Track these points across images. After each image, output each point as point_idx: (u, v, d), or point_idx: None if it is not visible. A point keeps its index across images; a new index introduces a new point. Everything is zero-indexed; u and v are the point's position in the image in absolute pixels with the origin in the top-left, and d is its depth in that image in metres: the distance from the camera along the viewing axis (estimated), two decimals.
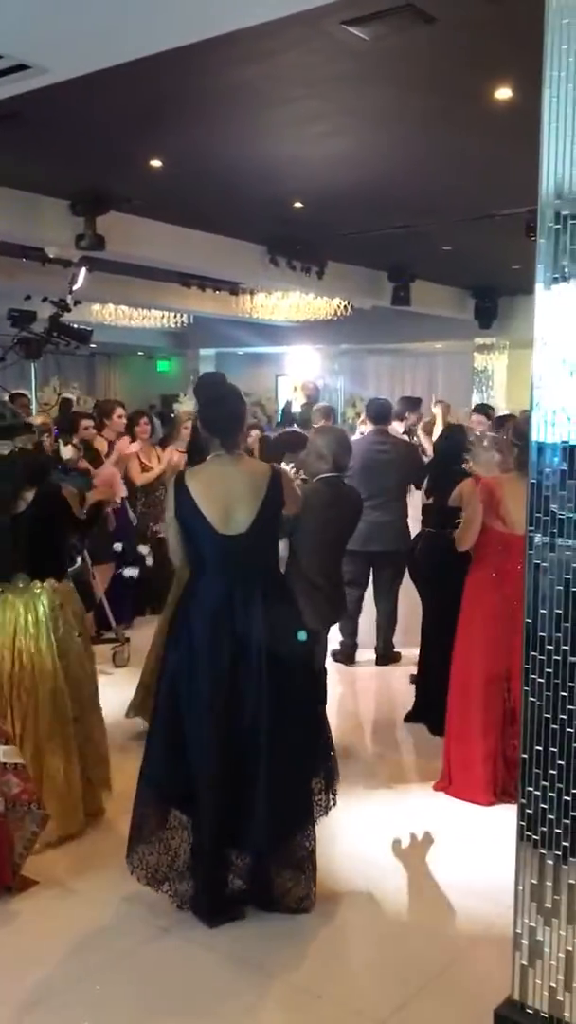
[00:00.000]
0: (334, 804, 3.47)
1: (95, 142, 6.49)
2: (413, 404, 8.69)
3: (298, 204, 8.29)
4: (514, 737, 4.29)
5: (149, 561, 7.01)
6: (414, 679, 5.62)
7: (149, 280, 11.64)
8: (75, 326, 6.03)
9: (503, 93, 5.47)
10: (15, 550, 3.82)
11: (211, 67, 5.01)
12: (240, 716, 3.15)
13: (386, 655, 6.42)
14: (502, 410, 11.04)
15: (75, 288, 6.13)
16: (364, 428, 6.76)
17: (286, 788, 3.19)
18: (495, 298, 12.66)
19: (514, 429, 4.22)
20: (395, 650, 6.47)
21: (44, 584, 3.86)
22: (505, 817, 4.15)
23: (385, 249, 10.11)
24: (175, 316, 13.67)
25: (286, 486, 3.33)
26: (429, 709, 5.11)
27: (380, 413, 6.53)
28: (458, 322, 13.04)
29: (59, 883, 3.55)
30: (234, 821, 3.17)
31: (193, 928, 3.24)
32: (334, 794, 3.46)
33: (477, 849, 3.91)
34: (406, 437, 7.46)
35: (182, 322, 13.97)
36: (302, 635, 3.27)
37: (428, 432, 8.07)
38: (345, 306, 11.93)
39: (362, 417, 7.02)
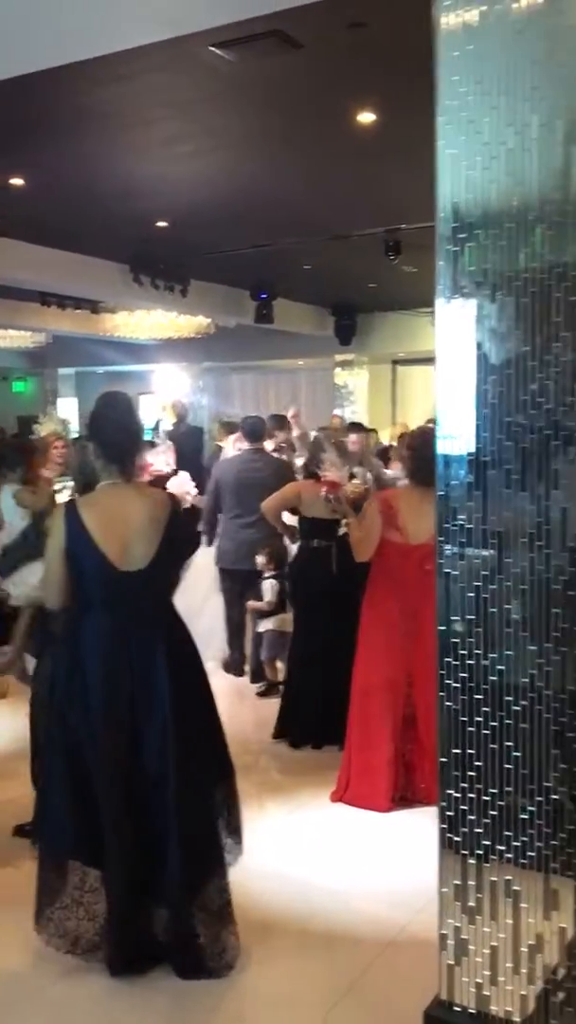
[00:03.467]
0: (241, 852, 3.30)
1: None
2: (282, 421, 8.86)
3: (162, 223, 8.30)
4: (412, 742, 4.41)
5: None
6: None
7: (5, 299, 11.36)
8: None
9: (365, 117, 5.65)
10: None
11: (76, 86, 4.96)
12: (143, 760, 2.97)
13: (260, 673, 6.44)
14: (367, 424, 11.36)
15: None
16: (240, 445, 6.81)
17: (197, 833, 3.02)
18: (354, 316, 13.02)
19: (408, 441, 4.35)
20: None
21: None
22: (404, 822, 4.25)
23: (248, 268, 10.24)
24: (33, 335, 13.37)
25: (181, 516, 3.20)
26: (295, 724, 5.18)
27: (255, 431, 6.60)
28: (319, 339, 13.31)
29: None
30: (147, 871, 2.99)
31: (102, 962, 3.15)
32: (239, 840, 3.29)
33: (380, 855, 3.97)
34: (276, 454, 7.55)
35: (40, 341, 13.67)
36: None
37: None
38: (208, 324, 11.98)
39: (236, 435, 7.07)
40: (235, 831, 3.25)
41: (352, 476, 5.37)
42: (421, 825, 4.15)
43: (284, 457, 7.15)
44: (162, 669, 2.97)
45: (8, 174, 6.71)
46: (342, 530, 4.76)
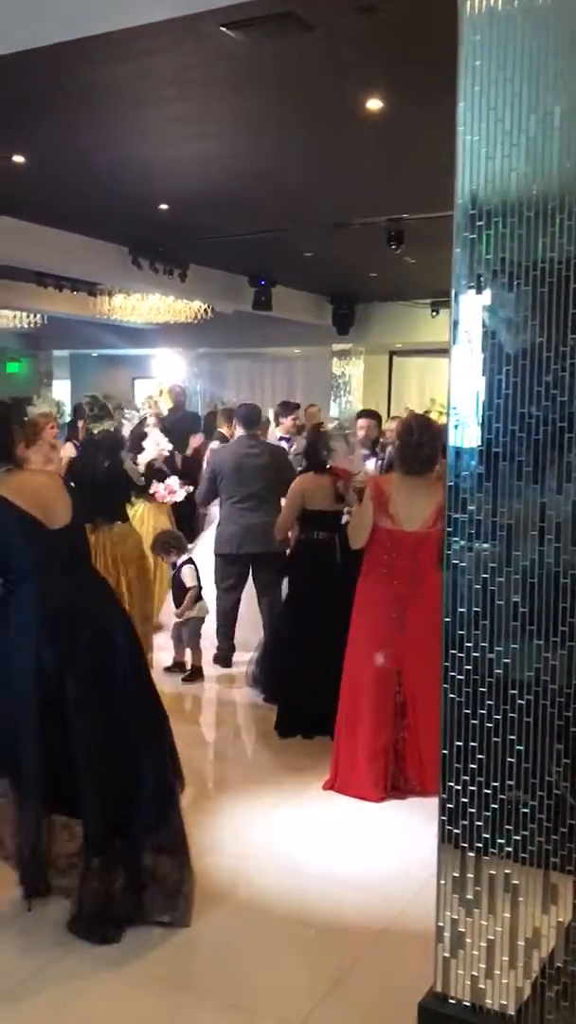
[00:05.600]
0: (182, 788, 3.52)
1: None
2: (291, 408, 8.92)
3: (163, 206, 8.22)
4: (404, 731, 4.39)
5: None
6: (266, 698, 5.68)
7: (1, 279, 11.27)
8: None
9: (373, 104, 5.59)
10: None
11: (82, 64, 4.88)
12: (113, 705, 3.20)
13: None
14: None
15: None
16: (235, 431, 6.87)
17: (163, 763, 3.30)
18: (352, 305, 12.95)
19: (397, 430, 4.37)
20: None
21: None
22: (396, 812, 4.24)
23: (247, 254, 10.17)
24: (28, 316, 13.26)
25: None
26: (288, 714, 5.20)
27: (250, 418, 6.66)
28: (316, 328, 13.25)
29: None
30: (120, 804, 3.17)
31: (91, 946, 3.14)
32: (181, 778, 3.50)
33: (371, 846, 3.96)
34: (283, 443, 7.61)
35: (35, 322, 13.56)
36: None
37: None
38: (206, 309, 11.91)
39: (233, 422, 7.13)
40: (178, 776, 3.49)
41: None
42: (412, 815, 4.15)
43: (284, 445, 7.20)
44: (119, 621, 3.32)
45: (10, 152, 6.62)
46: (345, 518, 4.76)
